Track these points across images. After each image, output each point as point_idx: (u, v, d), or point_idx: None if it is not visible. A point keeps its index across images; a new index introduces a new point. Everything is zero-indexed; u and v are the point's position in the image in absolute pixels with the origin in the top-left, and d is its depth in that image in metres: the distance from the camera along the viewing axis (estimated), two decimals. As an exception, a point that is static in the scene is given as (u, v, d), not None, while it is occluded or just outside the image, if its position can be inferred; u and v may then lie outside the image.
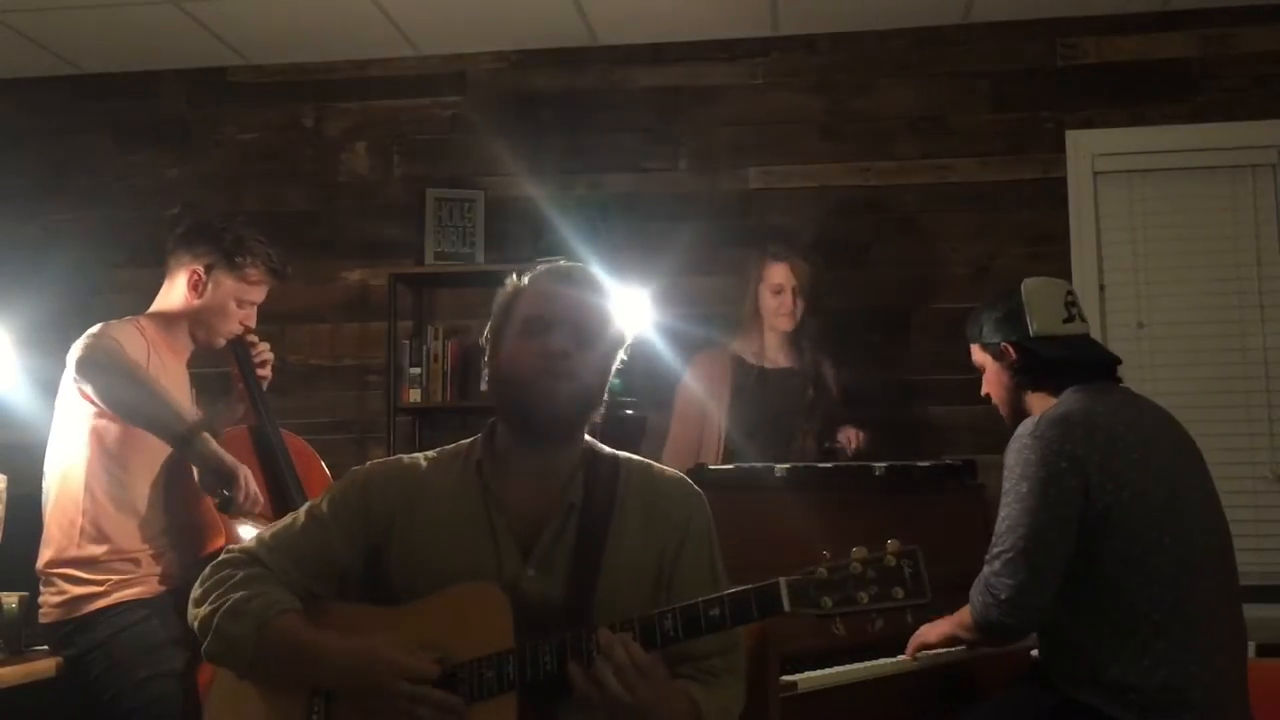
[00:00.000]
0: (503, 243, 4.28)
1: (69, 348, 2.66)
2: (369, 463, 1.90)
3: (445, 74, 4.44)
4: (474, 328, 4.09)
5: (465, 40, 4.34)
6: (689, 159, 4.31)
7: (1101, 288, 4.06)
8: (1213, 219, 4.07)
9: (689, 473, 1.93)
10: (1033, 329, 2.46)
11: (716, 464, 3.34)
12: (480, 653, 1.65)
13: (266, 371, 2.98)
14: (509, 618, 1.66)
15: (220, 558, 1.80)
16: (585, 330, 1.78)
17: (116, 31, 4.18)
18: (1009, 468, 2.33)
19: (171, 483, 2.70)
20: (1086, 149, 4.10)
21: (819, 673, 2.48)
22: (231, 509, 2.56)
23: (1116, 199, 4.11)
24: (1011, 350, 2.49)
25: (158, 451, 2.66)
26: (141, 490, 2.67)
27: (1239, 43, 4.08)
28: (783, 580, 1.60)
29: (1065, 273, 3.97)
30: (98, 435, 2.65)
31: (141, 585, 2.63)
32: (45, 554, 2.67)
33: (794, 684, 2.41)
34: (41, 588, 2.67)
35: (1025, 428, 2.34)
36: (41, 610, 2.64)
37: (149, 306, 2.87)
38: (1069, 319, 2.48)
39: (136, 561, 2.64)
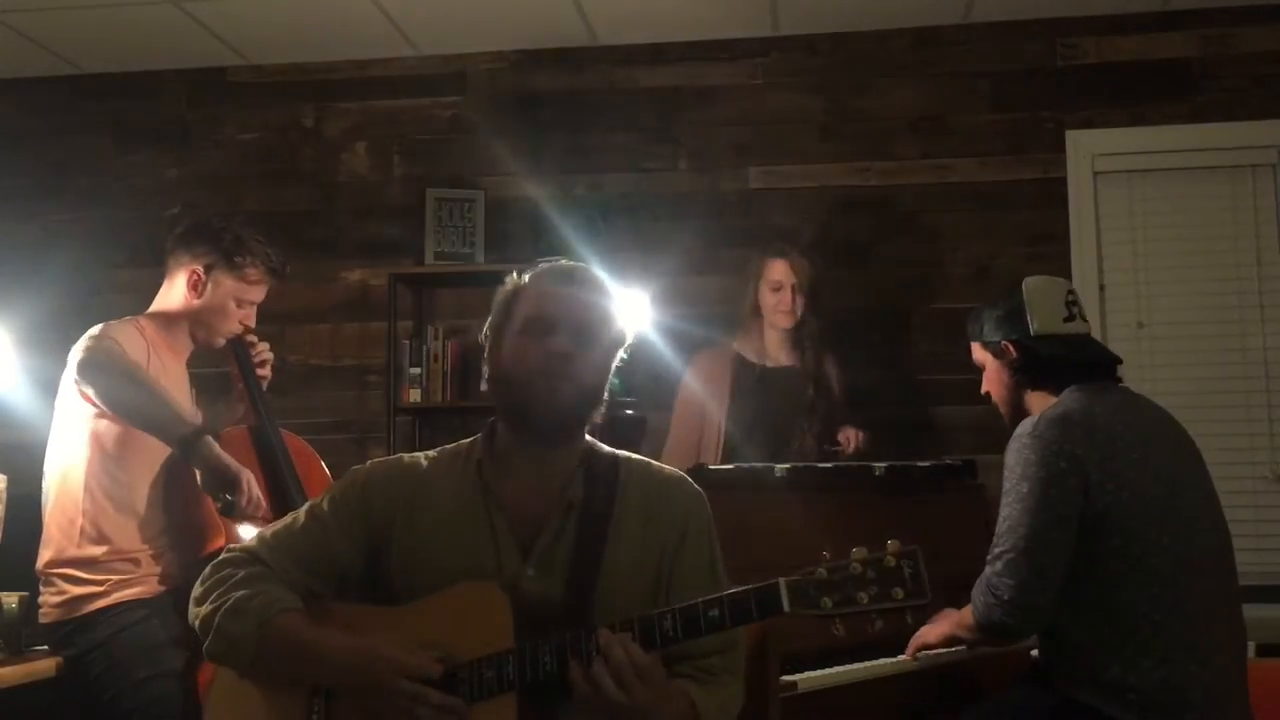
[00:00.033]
0: (503, 243, 4.28)
1: (69, 348, 2.66)
2: (369, 462, 1.90)
3: (445, 74, 4.44)
4: (474, 328, 4.08)
5: (465, 40, 4.34)
6: (689, 159, 4.31)
7: (1101, 288, 4.06)
8: (1213, 219, 4.07)
9: (689, 472, 1.93)
10: (1033, 328, 2.46)
11: (716, 463, 3.34)
12: (480, 652, 1.65)
13: (266, 371, 2.98)
14: (509, 617, 1.66)
15: (221, 556, 1.81)
16: (586, 330, 1.78)
17: (116, 31, 4.18)
18: (1009, 468, 2.33)
19: (171, 483, 2.70)
20: (1086, 149, 4.11)
21: (819, 673, 2.48)
22: (233, 513, 2.56)
23: (1116, 199, 4.11)
24: (1012, 349, 2.49)
25: (157, 452, 2.66)
26: (141, 490, 2.67)
27: (1239, 43, 4.08)
28: (782, 581, 1.60)
29: (1065, 273, 3.96)
30: (98, 436, 2.65)
31: (141, 585, 2.63)
32: (45, 554, 2.67)
33: (794, 684, 2.41)
34: (41, 588, 2.67)
35: (1025, 427, 2.34)
36: (41, 610, 2.64)
37: (149, 306, 2.87)
38: (1070, 318, 2.48)
39: (136, 561, 2.64)
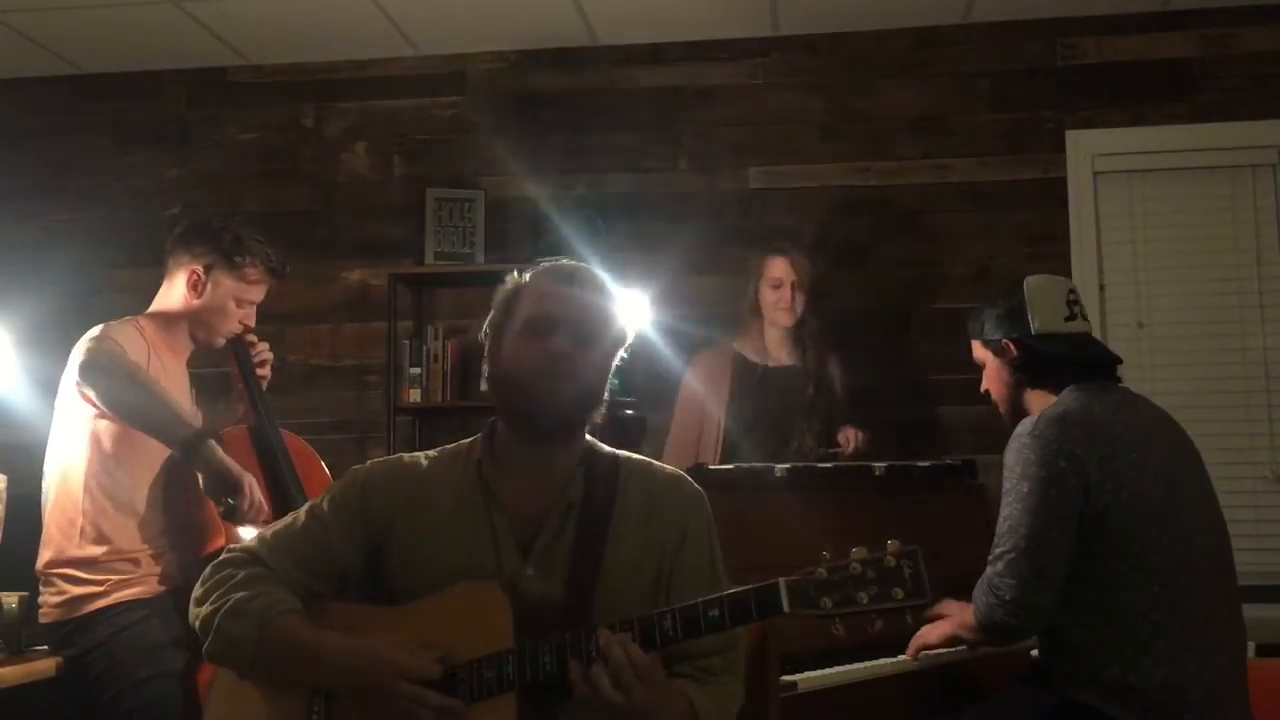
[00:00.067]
0: (503, 243, 4.28)
1: (69, 348, 2.66)
2: (369, 462, 1.90)
3: (445, 74, 4.44)
4: (474, 328, 4.07)
5: (465, 40, 4.34)
6: (689, 159, 4.31)
7: (1101, 288, 4.06)
8: (1213, 219, 4.08)
9: (689, 472, 1.93)
10: (1034, 326, 2.46)
11: (715, 463, 3.34)
12: (480, 652, 1.64)
13: (266, 371, 2.98)
14: (509, 617, 1.66)
15: (221, 557, 1.80)
16: (587, 331, 1.77)
17: (116, 31, 4.18)
18: (1009, 467, 2.33)
19: (171, 483, 2.70)
20: (1086, 149, 4.11)
21: (819, 673, 2.47)
22: (236, 518, 2.55)
23: (1116, 199, 4.12)
24: (1012, 347, 2.49)
25: (157, 452, 2.66)
26: (141, 490, 2.67)
27: (1239, 43, 4.08)
28: (782, 581, 1.60)
29: (1065, 273, 3.96)
30: (97, 436, 2.65)
31: (141, 585, 2.63)
32: (45, 554, 2.66)
33: (794, 684, 2.41)
34: (41, 588, 2.67)
35: (1024, 427, 2.34)
36: (41, 610, 2.64)
37: (149, 306, 2.87)
38: (1071, 317, 2.48)
39: (136, 561, 2.64)
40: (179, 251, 2.83)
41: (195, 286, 2.80)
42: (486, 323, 1.86)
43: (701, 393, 3.59)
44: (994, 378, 2.55)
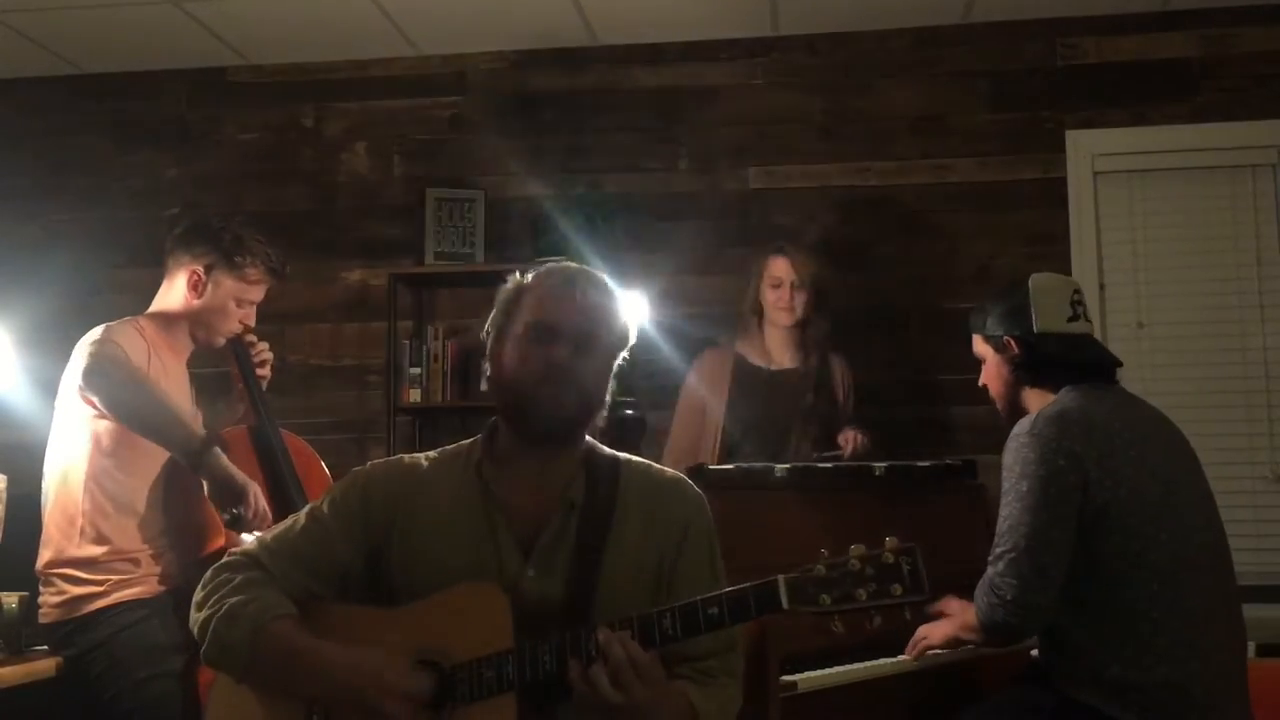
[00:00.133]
0: (503, 243, 4.28)
1: (69, 348, 2.66)
2: (369, 463, 1.90)
3: (445, 74, 4.44)
4: (474, 328, 4.07)
5: (465, 40, 4.34)
6: (689, 159, 4.31)
7: (1101, 288, 4.06)
8: (1213, 219, 4.07)
9: (689, 472, 1.93)
10: (1037, 325, 2.46)
11: (713, 463, 3.33)
12: (480, 652, 1.64)
13: (266, 371, 2.98)
14: (509, 617, 1.66)
15: (221, 561, 1.80)
16: (589, 336, 1.77)
17: (116, 31, 4.18)
18: (1008, 467, 2.33)
19: (171, 483, 2.69)
20: (1086, 149, 4.11)
21: (819, 673, 2.48)
22: (239, 526, 2.55)
23: (1116, 199, 4.11)
24: (1013, 344, 2.49)
25: (157, 452, 2.66)
26: (141, 491, 2.67)
27: (1239, 43, 4.08)
28: (781, 578, 1.60)
29: (1065, 273, 3.94)
30: (98, 436, 2.64)
31: (141, 585, 2.63)
32: (45, 554, 2.67)
33: (794, 684, 2.41)
34: (41, 588, 2.67)
35: (1023, 426, 2.34)
36: (41, 610, 2.64)
37: (149, 306, 2.87)
38: (1074, 317, 2.48)
39: (136, 561, 2.64)
40: (179, 252, 2.83)
41: (195, 287, 2.80)
42: (488, 323, 1.85)
43: (702, 393, 3.59)
44: (993, 374, 2.55)
